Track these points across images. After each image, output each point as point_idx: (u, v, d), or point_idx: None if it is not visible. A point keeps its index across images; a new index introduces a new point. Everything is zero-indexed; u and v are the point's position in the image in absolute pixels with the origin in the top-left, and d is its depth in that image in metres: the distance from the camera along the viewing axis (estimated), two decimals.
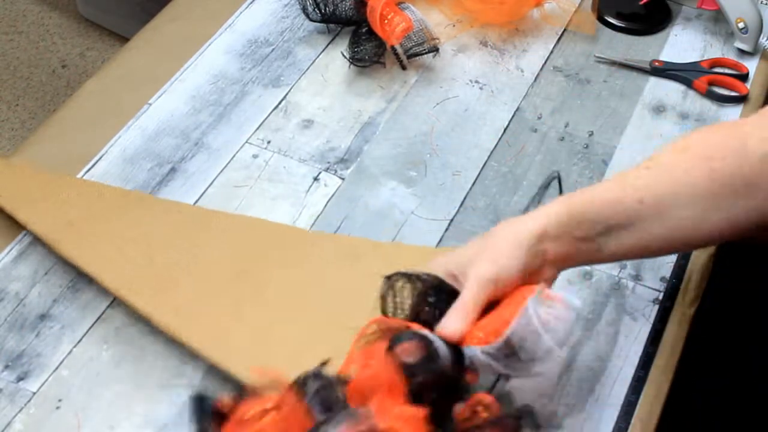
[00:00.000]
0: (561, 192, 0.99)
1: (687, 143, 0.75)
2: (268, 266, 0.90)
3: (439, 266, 0.74)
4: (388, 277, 0.73)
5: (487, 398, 0.66)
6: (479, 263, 0.71)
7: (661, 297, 0.90)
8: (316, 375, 0.66)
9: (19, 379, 0.83)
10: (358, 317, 0.74)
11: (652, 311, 0.89)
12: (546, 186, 1.00)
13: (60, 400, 0.81)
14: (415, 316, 0.72)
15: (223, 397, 0.66)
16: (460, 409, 0.66)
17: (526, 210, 0.97)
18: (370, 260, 0.91)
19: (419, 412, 0.63)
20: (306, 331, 0.84)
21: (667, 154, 0.75)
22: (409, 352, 0.66)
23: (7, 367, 0.83)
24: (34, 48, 2.28)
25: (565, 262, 0.74)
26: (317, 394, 0.65)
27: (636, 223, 0.73)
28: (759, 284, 1.15)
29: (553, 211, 0.73)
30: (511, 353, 0.67)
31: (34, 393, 0.82)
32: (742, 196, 0.72)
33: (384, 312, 0.73)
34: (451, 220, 0.97)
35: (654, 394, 0.84)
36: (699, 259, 0.94)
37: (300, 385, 0.65)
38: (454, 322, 0.70)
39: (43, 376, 0.83)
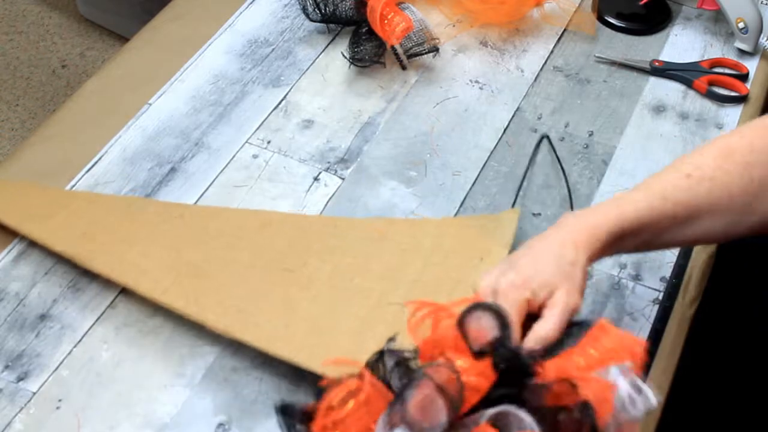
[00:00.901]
0: (555, 153, 1.01)
1: (731, 147, 0.75)
2: (302, 259, 0.89)
3: (514, 290, 0.71)
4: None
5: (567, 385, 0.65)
6: (568, 294, 0.70)
7: (661, 297, 0.90)
8: (390, 351, 0.67)
9: (19, 379, 0.83)
10: (398, 294, 0.84)
11: (652, 311, 0.89)
12: (536, 148, 1.02)
13: (60, 400, 0.81)
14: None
15: (309, 403, 0.67)
16: (538, 387, 0.66)
17: (522, 182, 0.97)
18: (394, 237, 0.92)
19: (484, 362, 0.65)
20: (357, 315, 0.84)
21: (709, 160, 0.75)
22: (483, 326, 0.66)
23: (7, 367, 0.83)
24: (34, 48, 2.28)
25: None
26: (395, 370, 0.66)
27: (667, 232, 0.74)
28: (759, 284, 1.15)
29: (601, 244, 0.73)
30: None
31: (34, 393, 0.82)
32: None
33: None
34: None
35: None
36: (699, 258, 0.94)
37: (375, 364, 0.67)
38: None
39: (43, 376, 0.83)
